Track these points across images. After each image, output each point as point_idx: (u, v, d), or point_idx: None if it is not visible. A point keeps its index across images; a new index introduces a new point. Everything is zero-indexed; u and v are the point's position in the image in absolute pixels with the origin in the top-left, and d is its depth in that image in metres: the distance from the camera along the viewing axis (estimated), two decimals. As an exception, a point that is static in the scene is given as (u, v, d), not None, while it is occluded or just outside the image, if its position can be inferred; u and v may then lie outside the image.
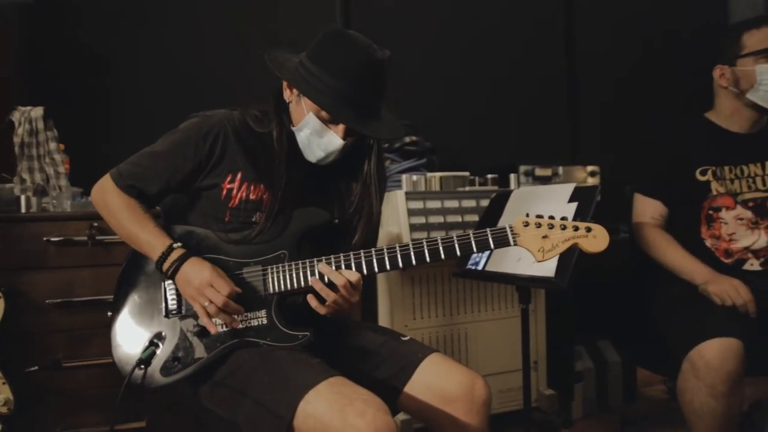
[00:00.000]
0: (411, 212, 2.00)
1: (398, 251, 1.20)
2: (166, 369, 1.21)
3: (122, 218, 1.25)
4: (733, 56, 1.77)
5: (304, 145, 1.27)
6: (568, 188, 1.61)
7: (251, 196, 1.27)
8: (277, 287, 1.23)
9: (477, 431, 1.20)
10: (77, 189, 1.89)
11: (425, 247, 1.19)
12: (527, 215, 1.18)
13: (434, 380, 1.21)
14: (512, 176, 2.45)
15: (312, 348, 1.20)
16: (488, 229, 1.19)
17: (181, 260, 1.19)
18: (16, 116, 1.85)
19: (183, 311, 1.24)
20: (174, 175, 1.26)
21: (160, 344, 1.23)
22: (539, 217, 1.18)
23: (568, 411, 2.30)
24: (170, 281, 1.23)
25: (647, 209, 1.86)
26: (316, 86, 1.19)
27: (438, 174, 2.19)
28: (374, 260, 1.20)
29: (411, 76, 2.62)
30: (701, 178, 1.80)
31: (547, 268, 1.47)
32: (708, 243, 1.79)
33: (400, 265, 1.20)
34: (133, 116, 2.27)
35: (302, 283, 1.21)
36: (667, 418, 2.24)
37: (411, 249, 1.19)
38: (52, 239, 1.66)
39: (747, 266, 1.75)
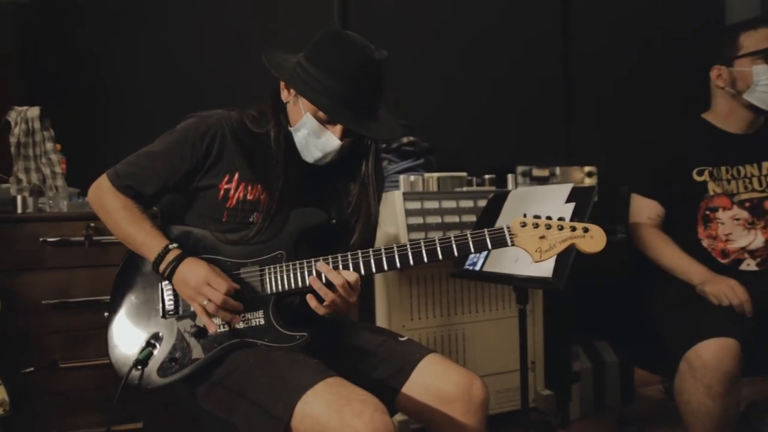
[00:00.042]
0: (408, 213, 2.00)
1: (396, 252, 1.20)
2: (163, 370, 1.21)
3: (119, 219, 1.25)
4: (730, 57, 1.77)
5: (302, 145, 1.27)
6: (566, 189, 1.61)
7: (248, 197, 1.26)
8: (274, 287, 1.22)
9: (474, 431, 1.19)
10: (74, 189, 1.89)
11: (423, 247, 1.19)
12: (525, 216, 1.18)
13: (432, 381, 1.20)
14: (510, 177, 2.45)
15: (309, 348, 1.20)
16: (486, 230, 1.19)
17: (178, 261, 1.19)
18: (12, 116, 1.84)
19: (180, 312, 1.24)
20: (171, 176, 1.26)
21: (157, 345, 1.22)
22: (537, 217, 1.18)
23: (565, 411, 2.30)
24: (167, 282, 1.23)
25: (644, 209, 1.86)
26: (313, 87, 1.18)
27: (435, 174, 2.20)
28: (372, 260, 1.20)
29: (408, 77, 2.62)
30: (698, 179, 1.81)
31: (545, 269, 1.47)
32: (705, 243, 1.79)
33: (398, 265, 1.20)
34: (130, 116, 2.27)
35: (300, 284, 1.21)
36: (664, 418, 2.25)
37: (409, 249, 1.19)
38: (49, 239, 1.65)
39: (743, 266, 1.76)
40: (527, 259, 1.19)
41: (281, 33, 2.46)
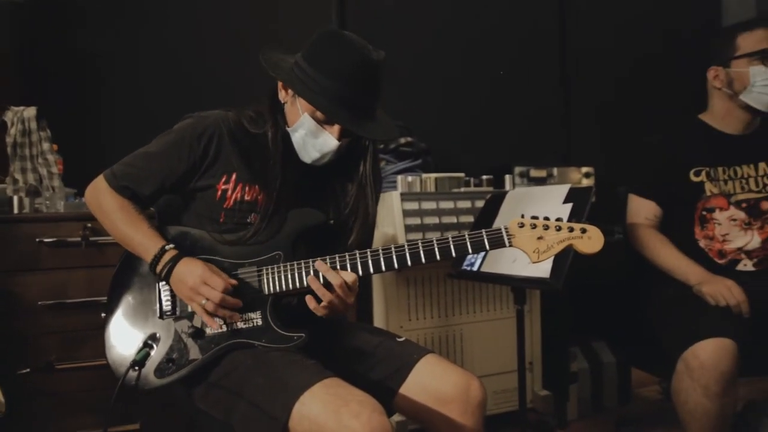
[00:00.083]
0: (406, 213, 2.00)
1: (394, 252, 1.20)
2: (160, 370, 1.20)
3: (116, 219, 1.24)
4: (727, 58, 1.78)
5: (299, 145, 1.26)
6: (563, 189, 1.61)
7: (246, 197, 1.26)
8: (272, 288, 1.22)
9: (472, 432, 1.19)
10: (71, 190, 1.88)
11: (421, 248, 1.19)
12: (522, 216, 1.19)
13: (429, 381, 1.20)
14: (507, 177, 2.45)
15: (307, 349, 1.19)
16: (484, 231, 1.19)
17: (174, 261, 1.19)
18: (8, 116, 1.84)
19: (177, 312, 1.24)
20: (168, 176, 1.25)
21: (155, 345, 1.22)
22: (534, 218, 1.18)
23: (563, 412, 2.31)
24: (164, 282, 1.23)
25: (641, 210, 1.87)
26: (311, 87, 1.18)
27: (433, 175, 2.19)
28: (369, 261, 1.20)
29: (406, 78, 2.62)
30: (695, 179, 1.81)
31: (542, 269, 1.47)
32: (702, 244, 1.80)
33: (396, 266, 1.20)
34: (127, 117, 2.26)
35: (297, 284, 1.21)
36: (661, 419, 2.25)
37: (406, 250, 1.19)
38: (45, 240, 1.65)
39: (740, 267, 1.76)
40: (525, 260, 1.19)
41: (280, 33, 2.45)
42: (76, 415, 1.67)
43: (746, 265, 1.76)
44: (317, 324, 1.23)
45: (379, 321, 2.03)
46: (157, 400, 1.61)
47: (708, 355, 1.47)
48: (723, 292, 1.61)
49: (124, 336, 1.24)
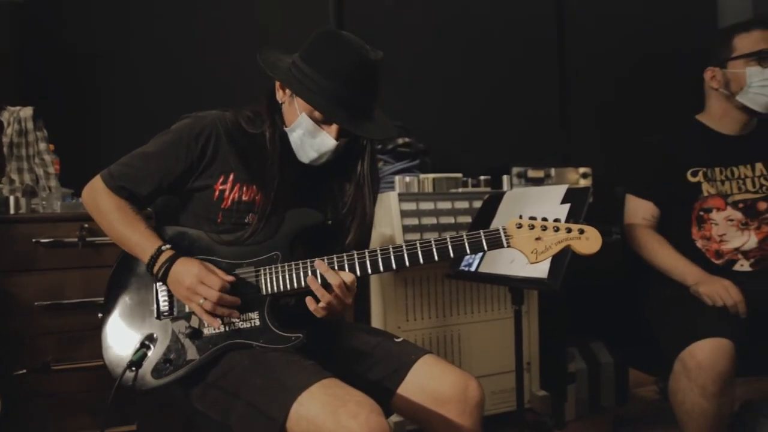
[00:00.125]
0: (404, 213, 2.00)
1: (392, 252, 1.19)
2: (157, 371, 1.20)
3: (113, 220, 1.24)
4: (724, 59, 1.79)
5: (297, 145, 1.26)
6: (561, 190, 1.61)
7: (244, 198, 1.26)
8: (270, 288, 1.22)
9: (470, 432, 1.19)
10: (67, 190, 1.88)
11: (418, 248, 1.19)
12: (520, 217, 1.18)
13: (427, 381, 1.20)
14: (505, 178, 2.45)
15: (305, 349, 1.19)
16: (481, 231, 1.19)
17: (171, 261, 1.19)
18: (5, 116, 1.83)
19: (175, 313, 1.24)
20: (166, 176, 1.25)
21: (152, 346, 1.22)
22: (532, 218, 1.18)
23: (560, 412, 2.31)
24: (161, 283, 1.22)
25: (639, 210, 1.87)
26: (308, 87, 1.18)
27: (431, 175, 2.19)
28: (367, 262, 1.20)
29: (403, 78, 2.62)
30: (692, 180, 1.81)
31: (540, 270, 1.47)
32: (699, 244, 1.80)
33: (394, 266, 1.20)
34: (124, 117, 2.26)
35: (295, 285, 1.21)
36: (659, 419, 2.25)
37: (404, 250, 1.19)
38: (42, 240, 1.64)
39: (737, 267, 1.77)
40: (523, 260, 1.19)
41: (278, 33, 2.45)
42: (73, 416, 1.66)
43: (743, 266, 1.77)
44: (315, 324, 1.23)
45: (376, 321, 2.02)
46: (154, 401, 1.61)
47: (705, 355, 1.47)
48: (720, 292, 1.61)
49: (121, 336, 1.24)
